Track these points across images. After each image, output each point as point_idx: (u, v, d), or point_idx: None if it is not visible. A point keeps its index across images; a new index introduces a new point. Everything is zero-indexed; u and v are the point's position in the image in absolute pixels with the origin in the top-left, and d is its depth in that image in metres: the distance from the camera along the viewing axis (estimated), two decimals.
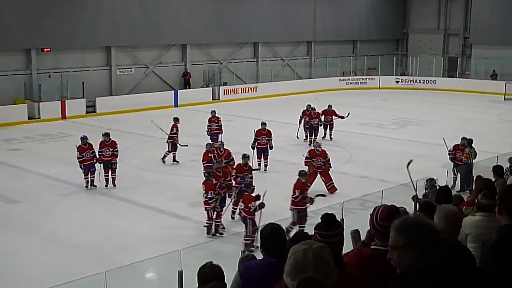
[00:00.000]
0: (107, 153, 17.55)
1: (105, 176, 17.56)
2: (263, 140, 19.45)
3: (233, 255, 8.39)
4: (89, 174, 17.32)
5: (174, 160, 20.18)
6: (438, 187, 10.65)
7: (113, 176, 17.61)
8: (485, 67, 40.51)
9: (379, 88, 40.97)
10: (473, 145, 17.29)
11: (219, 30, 36.30)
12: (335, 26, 42.34)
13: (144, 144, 22.52)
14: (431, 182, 12.78)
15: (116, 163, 17.70)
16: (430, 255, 2.62)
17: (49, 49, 30.20)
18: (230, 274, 4.91)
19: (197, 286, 4.80)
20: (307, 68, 41.99)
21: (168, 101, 32.81)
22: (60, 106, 29.17)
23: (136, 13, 32.78)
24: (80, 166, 17.24)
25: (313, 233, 3.96)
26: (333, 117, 24.36)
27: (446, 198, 6.84)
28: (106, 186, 17.51)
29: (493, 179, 8.75)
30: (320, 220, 3.86)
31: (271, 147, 19.48)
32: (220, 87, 35.98)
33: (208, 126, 21.52)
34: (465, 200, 8.27)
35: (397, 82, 41.61)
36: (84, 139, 17.46)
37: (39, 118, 28.42)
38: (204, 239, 12.77)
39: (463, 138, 17.59)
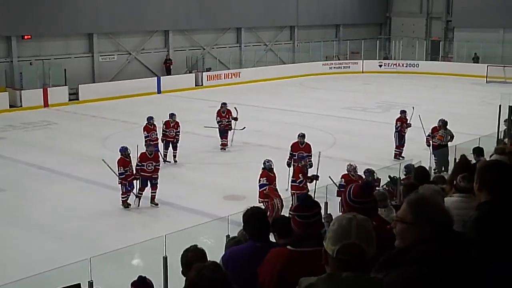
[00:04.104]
0: (171, 133, 18.40)
1: (164, 152, 18.30)
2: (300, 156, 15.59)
3: (219, 239, 8.41)
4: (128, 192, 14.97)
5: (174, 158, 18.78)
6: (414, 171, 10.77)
7: (174, 153, 18.57)
8: (467, 50, 40.68)
9: (363, 72, 41.06)
10: (448, 126, 17.36)
11: (202, 16, 36.13)
12: (318, 11, 42.26)
13: (128, 131, 22.43)
14: (407, 168, 12.79)
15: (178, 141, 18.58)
16: (433, 240, 2.65)
17: (29, 36, 29.91)
18: (215, 258, 4.94)
19: (181, 270, 4.83)
20: (290, 53, 41.96)
21: (151, 88, 32.69)
22: (43, 94, 28.94)
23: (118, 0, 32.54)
24: (121, 182, 14.72)
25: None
26: (231, 119, 20.35)
27: (424, 178, 6.94)
28: (175, 161, 18.54)
29: (474, 161, 8.84)
30: (297, 203, 3.88)
31: (311, 165, 14.98)
32: (203, 73, 35.87)
33: (164, 131, 18.70)
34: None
35: (380, 66, 41.72)
36: (124, 150, 14.90)
37: (21, 106, 28.17)
38: (188, 224, 12.78)
39: (441, 120, 17.69)
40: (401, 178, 12.28)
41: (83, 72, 31.99)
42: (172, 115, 18.91)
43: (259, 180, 13.55)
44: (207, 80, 35.58)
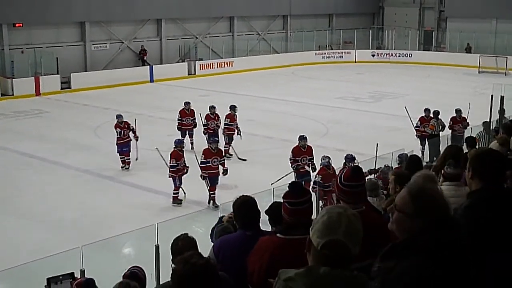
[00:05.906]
0: (212, 125, 17.60)
1: (225, 147, 17.26)
2: (303, 161, 14.07)
3: (210, 228, 8.42)
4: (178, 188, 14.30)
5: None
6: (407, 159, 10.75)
7: (226, 148, 17.61)
8: (459, 40, 40.78)
9: (355, 61, 41.05)
10: (440, 116, 17.37)
11: (194, 5, 35.98)
12: (311, 0, 42.17)
13: None
14: (400, 158, 12.76)
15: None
16: (434, 231, 2.60)
17: (21, 24, 29.72)
18: (206, 247, 4.94)
19: (171, 258, 4.82)
20: (283, 42, 41.88)
21: (144, 77, 32.60)
22: (34, 82, 28.81)
23: None
24: (171, 176, 14.21)
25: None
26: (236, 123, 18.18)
27: (416, 167, 6.92)
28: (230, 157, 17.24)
29: (466, 150, 8.86)
30: (288, 189, 3.87)
31: (314, 169, 13.79)
32: (196, 62, 35.77)
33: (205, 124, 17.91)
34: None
35: (373, 55, 41.72)
36: (180, 143, 14.43)
37: (13, 94, 28.05)
38: (180, 212, 12.79)
39: (426, 110, 17.67)
40: (393, 167, 12.30)
41: (75, 61, 31.84)
42: (212, 107, 18.11)
43: (315, 176, 12.84)
44: (200, 69, 35.50)
